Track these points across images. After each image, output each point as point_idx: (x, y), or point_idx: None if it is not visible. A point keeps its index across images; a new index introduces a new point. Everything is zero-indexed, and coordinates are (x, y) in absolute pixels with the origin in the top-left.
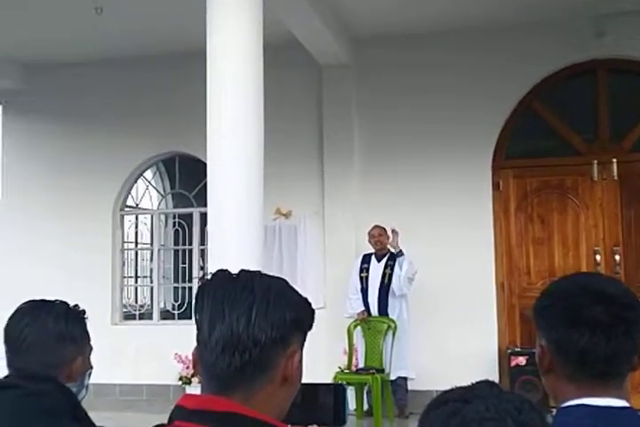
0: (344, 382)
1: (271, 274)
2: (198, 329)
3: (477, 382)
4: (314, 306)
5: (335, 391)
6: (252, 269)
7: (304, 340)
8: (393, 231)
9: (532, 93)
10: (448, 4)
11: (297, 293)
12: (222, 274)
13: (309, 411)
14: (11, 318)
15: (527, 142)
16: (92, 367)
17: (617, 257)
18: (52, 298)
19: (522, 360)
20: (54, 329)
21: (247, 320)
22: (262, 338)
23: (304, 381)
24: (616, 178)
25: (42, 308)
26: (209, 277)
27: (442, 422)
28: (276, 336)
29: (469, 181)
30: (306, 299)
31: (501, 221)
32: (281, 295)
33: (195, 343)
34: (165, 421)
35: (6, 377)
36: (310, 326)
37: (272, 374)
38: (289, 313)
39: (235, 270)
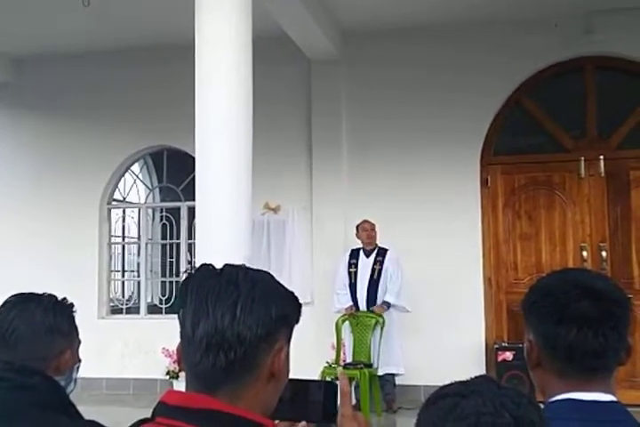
0: (333, 378)
1: (256, 268)
2: (182, 325)
3: (475, 377)
4: (301, 301)
5: (326, 388)
6: (239, 263)
7: (291, 334)
8: None
9: (520, 90)
10: None
11: (283, 287)
12: (206, 268)
13: (298, 407)
14: None
15: (515, 139)
16: (80, 361)
17: (603, 253)
18: (40, 292)
19: (509, 355)
20: (43, 322)
21: (232, 317)
22: (247, 335)
23: (294, 377)
24: (603, 175)
25: (30, 300)
26: (193, 271)
27: (440, 416)
28: (261, 333)
29: (458, 177)
30: (292, 292)
31: (489, 216)
32: (266, 290)
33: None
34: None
35: None
36: (297, 320)
37: (258, 372)
38: (275, 308)
39: (221, 265)
